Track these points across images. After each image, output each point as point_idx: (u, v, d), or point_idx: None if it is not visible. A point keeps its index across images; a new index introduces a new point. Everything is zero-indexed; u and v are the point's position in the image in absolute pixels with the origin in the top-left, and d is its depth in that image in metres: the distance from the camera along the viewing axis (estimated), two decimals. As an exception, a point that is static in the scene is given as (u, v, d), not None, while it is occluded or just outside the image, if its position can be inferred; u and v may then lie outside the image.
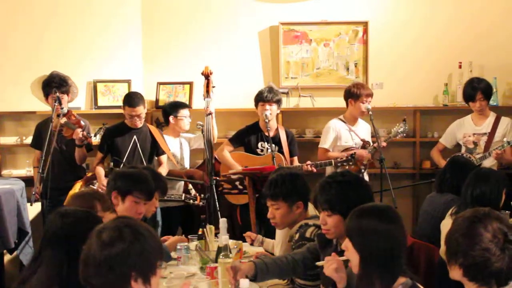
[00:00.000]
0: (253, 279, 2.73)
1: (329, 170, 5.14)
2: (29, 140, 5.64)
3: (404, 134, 5.22)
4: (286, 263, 2.86)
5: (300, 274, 2.89)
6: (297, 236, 3.09)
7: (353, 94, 5.17)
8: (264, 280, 2.84)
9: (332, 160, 4.96)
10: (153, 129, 5.24)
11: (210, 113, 5.06)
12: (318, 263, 2.44)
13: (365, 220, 2.21)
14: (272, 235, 3.78)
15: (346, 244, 2.25)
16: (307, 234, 3.04)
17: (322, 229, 2.71)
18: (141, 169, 3.69)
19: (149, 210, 3.67)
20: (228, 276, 2.65)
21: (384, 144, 5.08)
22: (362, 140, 5.21)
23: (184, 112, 5.39)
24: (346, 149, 5.17)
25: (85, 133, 4.88)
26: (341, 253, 2.63)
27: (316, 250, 2.85)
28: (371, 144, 5.16)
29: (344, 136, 5.23)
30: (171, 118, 5.39)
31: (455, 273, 2.01)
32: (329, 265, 2.33)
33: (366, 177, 5.17)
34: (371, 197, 2.72)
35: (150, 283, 1.92)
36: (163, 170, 5.15)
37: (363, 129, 5.29)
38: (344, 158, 4.89)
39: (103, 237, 1.90)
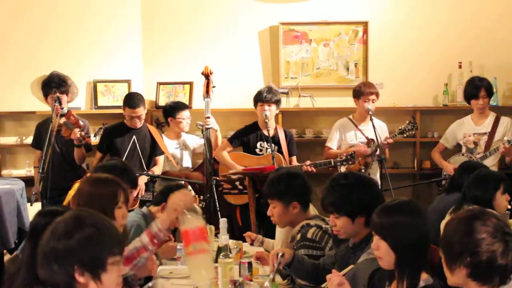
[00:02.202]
0: (287, 267, 2.82)
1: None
2: (29, 140, 5.64)
3: (413, 132, 5.23)
4: (315, 264, 2.90)
5: (322, 282, 2.89)
6: (298, 236, 3.10)
7: (357, 92, 5.24)
8: (298, 271, 2.87)
9: (332, 160, 4.97)
10: (153, 129, 5.24)
11: (209, 128, 5.07)
12: (323, 286, 2.45)
13: (397, 216, 2.26)
14: (272, 235, 3.78)
15: (377, 243, 2.26)
16: (309, 235, 3.05)
17: (334, 231, 2.75)
18: (120, 160, 3.67)
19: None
20: (270, 262, 2.78)
21: (390, 140, 5.08)
22: (366, 138, 5.22)
23: (183, 114, 5.36)
24: (350, 147, 5.20)
25: (83, 133, 4.87)
26: (352, 249, 2.69)
27: (332, 257, 2.88)
28: (375, 142, 5.14)
29: (349, 135, 5.29)
30: (169, 119, 5.38)
31: (458, 277, 1.97)
32: (331, 282, 2.34)
33: (377, 175, 5.18)
34: (378, 195, 2.72)
35: (101, 280, 1.88)
36: (157, 170, 5.13)
37: (372, 128, 5.19)
38: (344, 158, 4.90)
39: (55, 229, 1.90)
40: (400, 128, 5.19)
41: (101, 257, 1.89)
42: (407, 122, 5.16)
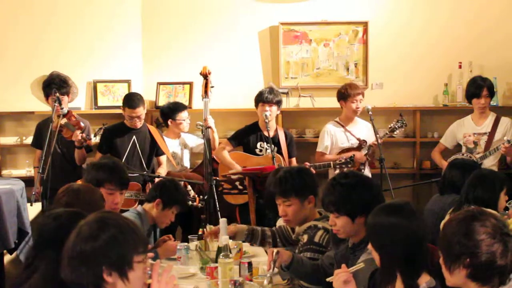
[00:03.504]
0: (286, 269, 2.81)
1: (331, 172, 5.13)
2: (29, 140, 5.64)
3: (403, 129, 5.25)
4: (314, 264, 2.91)
5: (323, 282, 2.89)
6: (305, 238, 3.08)
7: (343, 95, 5.25)
8: (296, 272, 2.87)
9: (331, 162, 4.97)
10: (153, 129, 5.23)
11: (209, 127, 5.07)
12: (328, 279, 2.45)
13: (378, 218, 2.28)
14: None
15: (370, 245, 2.30)
16: (316, 239, 3.04)
17: (333, 230, 2.75)
18: (114, 159, 3.68)
19: (163, 222, 3.69)
20: (268, 260, 2.77)
21: (380, 141, 5.08)
22: (358, 139, 5.22)
23: (182, 115, 5.37)
24: (343, 151, 5.19)
25: (84, 135, 4.86)
26: (352, 249, 2.69)
27: (330, 258, 2.88)
28: (367, 143, 5.17)
29: (340, 138, 5.27)
30: (169, 122, 5.39)
31: (457, 278, 1.96)
32: (338, 278, 2.33)
33: (369, 174, 5.19)
34: (378, 195, 2.72)
35: (128, 278, 1.92)
36: (162, 171, 5.15)
37: (361, 129, 5.29)
38: (343, 161, 4.89)
39: (81, 231, 1.94)
40: (389, 126, 5.20)
41: (127, 256, 1.93)
42: (395, 120, 5.17)
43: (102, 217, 1.99)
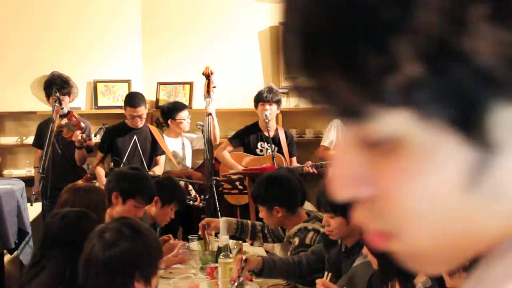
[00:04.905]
0: (259, 273, 2.79)
1: None
2: (29, 140, 5.64)
3: None
4: (293, 263, 2.89)
5: (305, 277, 2.90)
6: (296, 241, 3.08)
7: None
8: (270, 276, 2.87)
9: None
10: (154, 129, 5.24)
11: (210, 114, 5.08)
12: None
13: None
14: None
15: (365, 249, 2.29)
16: (307, 241, 3.03)
17: (326, 231, 2.71)
18: (143, 172, 3.69)
19: (163, 220, 3.69)
20: (235, 267, 2.71)
21: None
22: None
23: (182, 115, 5.37)
24: None
25: (84, 135, 4.86)
26: (344, 253, 2.67)
27: (320, 251, 2.86)
28: None
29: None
30: (169, 121, 5.39)
31: (457, 281, 1.94)
32: None
33: None
34: None
35: (151, 284, 1.93)
36: (158, 170, 5.13)
37: None
38: None
39: (106, 238, 1.90)
40: None
41: (156, 261, 1.94)
42: None
43: (129, 222, 1.98)
